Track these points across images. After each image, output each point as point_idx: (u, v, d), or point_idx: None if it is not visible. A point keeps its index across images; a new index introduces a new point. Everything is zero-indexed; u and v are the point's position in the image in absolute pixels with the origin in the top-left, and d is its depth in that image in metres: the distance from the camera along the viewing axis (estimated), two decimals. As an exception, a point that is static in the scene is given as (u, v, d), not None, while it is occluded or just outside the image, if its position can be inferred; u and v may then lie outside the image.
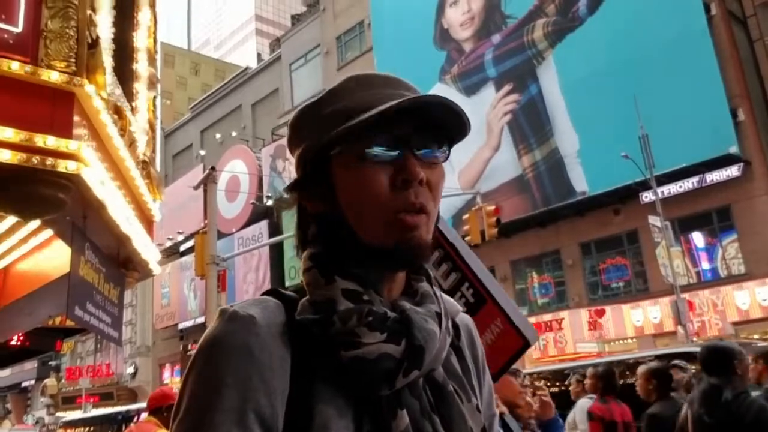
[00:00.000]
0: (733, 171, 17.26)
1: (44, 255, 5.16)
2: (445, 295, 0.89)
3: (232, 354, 0.75)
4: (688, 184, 17.78)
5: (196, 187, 15.44)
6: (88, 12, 3.65)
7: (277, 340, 0.77)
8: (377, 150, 0.82)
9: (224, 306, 0.81)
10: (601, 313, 18.28)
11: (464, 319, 0.96)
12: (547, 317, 19.72)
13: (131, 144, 4.63)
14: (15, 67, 3.37)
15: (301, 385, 0.77)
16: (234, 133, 32.43)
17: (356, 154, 0.82)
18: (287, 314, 0.80)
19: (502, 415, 2.35)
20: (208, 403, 0.74)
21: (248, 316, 0.77)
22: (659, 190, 16.78)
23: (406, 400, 0.80)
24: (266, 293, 0.85)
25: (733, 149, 17.03)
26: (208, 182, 13.90)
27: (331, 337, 0.78)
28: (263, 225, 28.27)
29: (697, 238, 18.33)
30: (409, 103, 0.79)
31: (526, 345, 1.42)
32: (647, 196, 17.68)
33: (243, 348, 0.75)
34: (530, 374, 6.30)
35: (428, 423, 0.80)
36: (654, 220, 16.31)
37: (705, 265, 18.24)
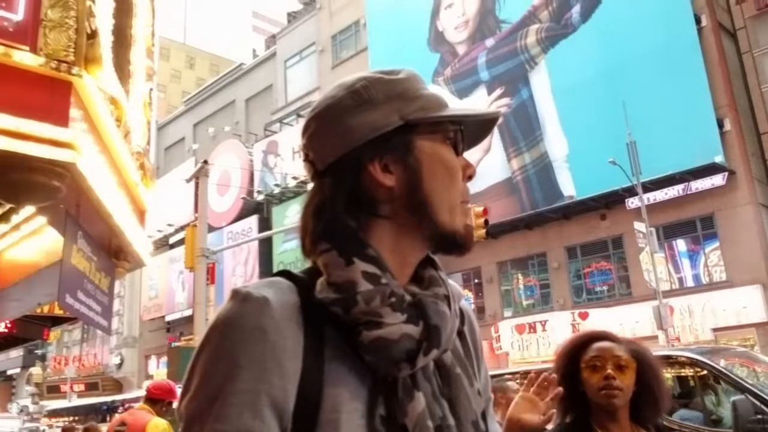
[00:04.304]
0: (718, 180, 17.48)
1: (36, 242, 5.18)
2: (449, 280, 0.90)
3: (247, 335, 0.75)
4: (673, 191, 18.01)
5: (188, 180, 15.41)
6: (88, 3, 3.70)
7: (291, 322, 0.77)
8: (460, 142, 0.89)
9: (237, 287, 0.80)
10: (585, 316, 18.47)
11: (464, 305, 0.96)
12: (531, 319, 19.88)
13: (126, 135, 4.69)
14: (14, 54, 3.43)
15: (313, 366, 0.76)
16: (227, 128, 32.33)
17: (444, 135, 0.87)
18: (300, 295, 0.80)
19: None
20: (222, 383, 0.74)
21: (262, 297, 0.77)
22: (645, 196, 16.97)
23: (421, 382, 0.80)
24: (277, 274, 0.84)
25: (719, 158, 17.26)
26: (200, 175, 13.90)
27: (353, 317, 0.78)
28: (253, 220, 28.30)
29: (681, 245, 18.56)
30: (493, 115, 0.91)
31: None
32: (633, 202, 17.89)
33: (257, 329, 0.75)
34: (513, 374, 6.39)
35: (438, 406, 0.81)
36: (639, 226, 16.50)
37: (687, 271, 18.45)
